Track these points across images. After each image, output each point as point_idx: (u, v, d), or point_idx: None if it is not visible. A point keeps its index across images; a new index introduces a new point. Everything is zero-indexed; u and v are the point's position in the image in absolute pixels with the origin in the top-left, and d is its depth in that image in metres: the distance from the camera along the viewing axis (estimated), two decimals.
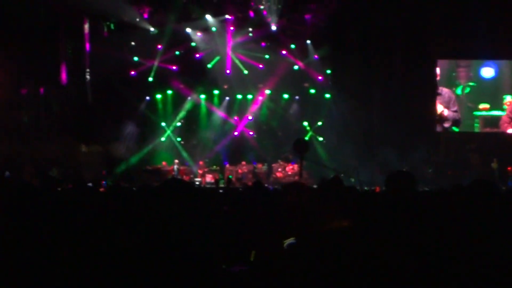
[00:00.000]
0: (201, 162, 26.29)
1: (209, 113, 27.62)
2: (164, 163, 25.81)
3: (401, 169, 21.05)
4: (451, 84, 26.69)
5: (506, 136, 26.16)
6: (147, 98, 27.09)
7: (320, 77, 26.64)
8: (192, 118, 27.59)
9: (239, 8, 25.50)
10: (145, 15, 25.24)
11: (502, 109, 26.42)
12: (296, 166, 24.45)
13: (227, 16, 25.58)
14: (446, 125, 26.54)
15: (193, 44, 26.32)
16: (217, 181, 24.24)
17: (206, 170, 25.98)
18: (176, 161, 25.71)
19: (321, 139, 26.93)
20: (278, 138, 27.09)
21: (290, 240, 4.92)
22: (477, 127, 26.57)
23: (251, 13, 25.48)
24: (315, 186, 13.20)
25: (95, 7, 23.27)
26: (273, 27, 25.31)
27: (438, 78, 26.65)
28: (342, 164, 24.31)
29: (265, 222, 5.70)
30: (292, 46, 26.42)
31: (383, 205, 4.48)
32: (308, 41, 26.42)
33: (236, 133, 27.36)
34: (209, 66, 26.49)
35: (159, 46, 25.90)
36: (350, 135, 25.25)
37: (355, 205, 4.51)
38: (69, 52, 25.38)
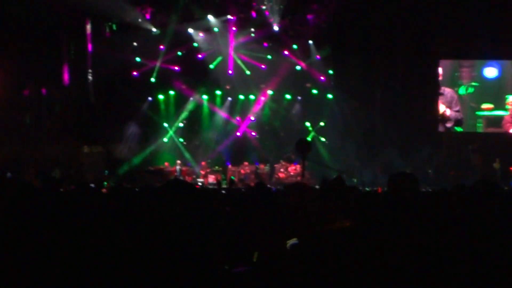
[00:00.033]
0: (203, 163, 26.29)
1: (211, 113, 27.61)
2: (166, 163, 25.80)
3: (403, 170, 21.15)
4: (454, 84, 26.68)
5: (509, 136, 26.16)
6: (149, 98, 27.08)
7: (322, 78, 26.62)
8: (194, 118, 27.59)
9: (241, 9, 25.49)
10: (147, 16, 25.25)
11: (505, 109, 26.42)
12: (298, 167, 24.46)
13: (229, 17, 25.57)
14: (448, 125, 26.54)
15: (195, 44, 26.31)
16: (219, 182, 24.23)
17: (208, 170, 25.97)
18: (179, 161, 25.72)
19: (323, 139, 26.92)
20: (281, 139, 27.07)
21: (293, 241, 4.92)
22: (480, 127, 26.55)
23: (253, 14, 25.48)
24: (317, 187, 13.20)
25: (97, 7, 23.26)
26: (275, 28, 25.32)
27: (440, 78, 26.64)
28: (344, 164, 24.35)
29: (267, 223, 5.69)
30: (294, 46, 26.39)
31: (385, 205, 4.47)
32: (310, 42, 26.40)
33: (238, 134, 27.35)
34: (211, 66, 26.52)
35: (161, 47, 25.90)
36: (352, 135, 25.28)
37: (357, 206, 4.51)
38: (71, 52, 25.41)
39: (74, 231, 4.74)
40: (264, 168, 26.05)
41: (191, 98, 27.21)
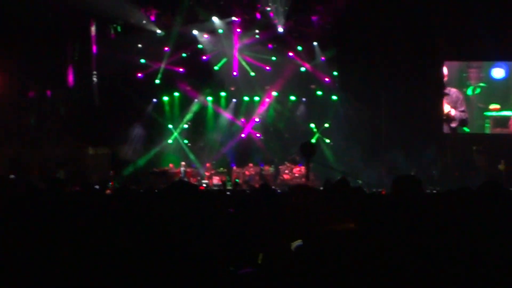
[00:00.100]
0: (208, 164, 26.30)
1: (216, 115, 27.61)
2: (171, 165, 25.78)
3: (407, 171, 21.16)
4: (462, 84, 26.69)
5: None
6: (154, 100, 27.10)
7: (327, 79, 26.61)
8: (199, 120, 27.60)
9: (246, 10, 25.50)
10: (152, 18, 25.26)
11: None
12: (303, 168, 24.41)
13: (233, 18, 25.57)
14: (453, 125, 26.51)
15: (200, 46, 26.31)
16: (224, 183, 24.23)
17: (213, 172, 25.97)
18: (183, 163, 25.73)
19: (328, 141, 26.91)
20: (285, 140, 27.05)
21: (298, 242, 4.91)
22: (488, 128, 26.54)
23: (258, 15, 25.48)
24: (321, 188, 13.18)
25: (102, 9, 23.27)
26: (280, 29, 25.31)
27: (445, 79, 26.63)
28: (349, 165, 24.32)
29: (271, 224, 5.68)
30: (299, 48, 26.38)
31: (389, 207, 4.46)
32: (315, 43, 26.39)
33: (243, 135, 27.33)
34: (216, 68, 26.52)
35: (166, 48, 25.90)
36: (357, 136, 25.24)
37: (361, 207, 4.50)
38: (76, 54, 25.42)
39: (78, 232, 4.74)
40: (268, 169, 26.03)
41: (196, 100, 27.22)
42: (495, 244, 3.88)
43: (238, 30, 25.92)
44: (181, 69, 26.50)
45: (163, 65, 26.31)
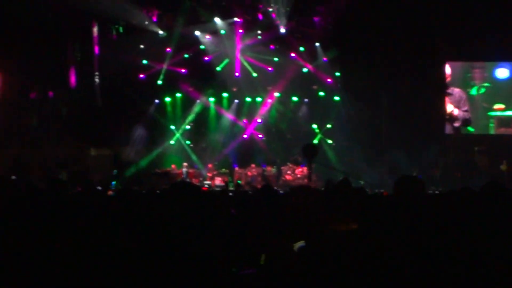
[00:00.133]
0: (210, 165, 26.28)
1: (218, 116, 27.59)
2: (173, 166, 25.77)
3: (409, 171, 21.16)
4: (466, 84, 26.71)
5: None
6: (156, 101, 27.10)
7: (329, 80, 26.61)
8: (201, 121, 27.58)
9: (248, 11, 25.49)
10: (154, 18, 25.27)
11: None
12: (305, 169, 24.41)
13: (235, 19, 25.56)
14: (456, 124, 26.52)
15: (202, 47, 26.30)
16: (226, 184, 24.23)
17: (215, 173, 25.96)
18: (185, 164, 25.72)
19: (330, 141, 26.90)
20: (287, 141, 27.04)
21: (300, 243, 4.90)
22: (492, 128, 26.57)
23: (260, 16, 25.48)
24: (323, 189, 13.18)
25: (103, 10, 23.30)
26: (282, 30, 25.32)
27: (449, 79, 26.64)
28: (351, 166, 24.31)
29: (273, 225, 5.68)
30: (301, 48, 26.37)
31: (391, 208, 4.45)
32: (317, 44, 26.37)
33: (245, 136, 27.31)
34: (218, 69, 26.49)
35: (168, 49, 25.89)
36: (359, 137, 25.23)
37: (363, 208, 4.49)
38: (78, 55, 25.44)
39: (79, 233, 4.74)
40: (271, 170, 26.01)
41: (198, 101, 27.22)
42: (497, 244, 3.87)
43: (240, 31, 25.90)
44: (183, 70, 26.50)
45: (165, 66, 26.30)
